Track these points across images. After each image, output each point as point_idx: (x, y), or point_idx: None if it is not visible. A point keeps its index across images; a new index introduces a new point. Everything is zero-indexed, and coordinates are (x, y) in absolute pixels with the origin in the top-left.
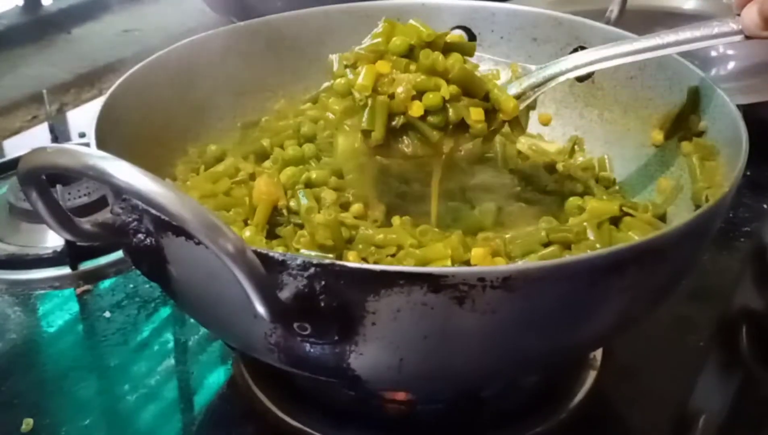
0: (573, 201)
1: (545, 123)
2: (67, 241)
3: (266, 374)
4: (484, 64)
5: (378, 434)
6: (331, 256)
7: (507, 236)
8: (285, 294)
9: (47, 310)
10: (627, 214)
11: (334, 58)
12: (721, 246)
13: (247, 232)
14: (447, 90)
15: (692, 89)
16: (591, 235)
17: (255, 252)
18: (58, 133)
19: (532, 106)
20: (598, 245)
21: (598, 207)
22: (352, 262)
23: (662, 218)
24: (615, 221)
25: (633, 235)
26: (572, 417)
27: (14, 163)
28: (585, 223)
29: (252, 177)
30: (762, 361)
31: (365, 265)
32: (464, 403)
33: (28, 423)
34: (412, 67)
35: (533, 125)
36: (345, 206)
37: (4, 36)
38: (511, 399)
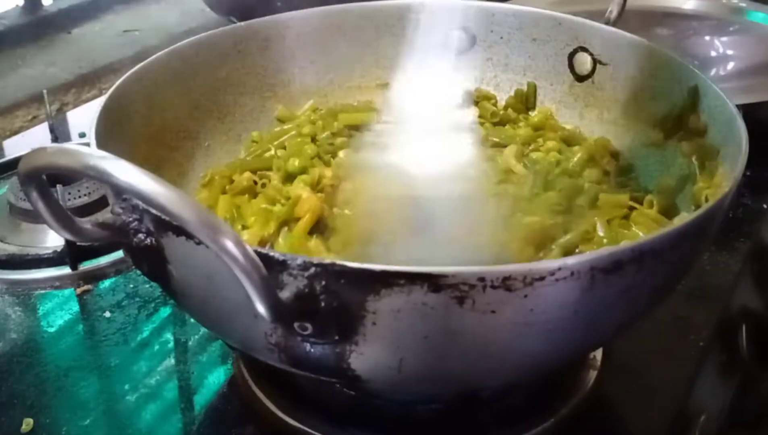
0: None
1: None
2: (67, 241)
3: (266, 374)
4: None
5: (378, 434)
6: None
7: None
8: (285, 294)
9: (47, 310)
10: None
11: None
12: (721, 246)
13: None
14: None
15: (692, 89)
16: (601, 232)
17: (255, 252)
18: (58, 133)
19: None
20: (605, 241)
21: (609, 201)
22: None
23: (671, 210)
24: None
25: (639, 233)
26: (572, 417)
27: (14, 163)
28: (596, 219)
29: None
30: (761, 361)
31: (365, 265)
32: (464, 403)
33: (28, 423)
34: None
35: None
36: None
37: (4, 36)
38: (511, 399)
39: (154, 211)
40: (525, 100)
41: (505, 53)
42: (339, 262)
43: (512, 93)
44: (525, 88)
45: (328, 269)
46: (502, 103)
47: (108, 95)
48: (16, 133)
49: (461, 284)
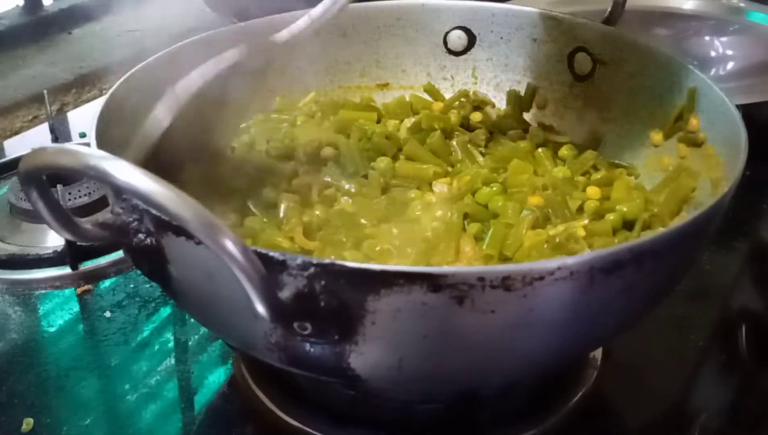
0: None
1: (541, 106)
2: (68, 241)
3: (266, 374)
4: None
5: (378, 434)
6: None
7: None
8: (285, 294)
9: (48, 310)
10: None
11: None
12: (721, 246)
13: None
14: None
15: (692, 89)
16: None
17: (255, 252)
18: (59, 133)
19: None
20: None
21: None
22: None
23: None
24: None
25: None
26: (572, 417)
27: (15, 163)
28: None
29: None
30: (761, 361)
31: (365, 265)
32: (464, 403)
33: (28, 423)
34: None
35: (546, 117)
36: None
37: (4, 36)
38: (510, 399)
39: (154, 211)
40: (519, 102)
41: (505, 53)
42: (339, 262)
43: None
44: (519, 88)
45: (328, 269)
46: (502, 103)
47: (108, 95)
48: (16, 133)
49: (461, 284)
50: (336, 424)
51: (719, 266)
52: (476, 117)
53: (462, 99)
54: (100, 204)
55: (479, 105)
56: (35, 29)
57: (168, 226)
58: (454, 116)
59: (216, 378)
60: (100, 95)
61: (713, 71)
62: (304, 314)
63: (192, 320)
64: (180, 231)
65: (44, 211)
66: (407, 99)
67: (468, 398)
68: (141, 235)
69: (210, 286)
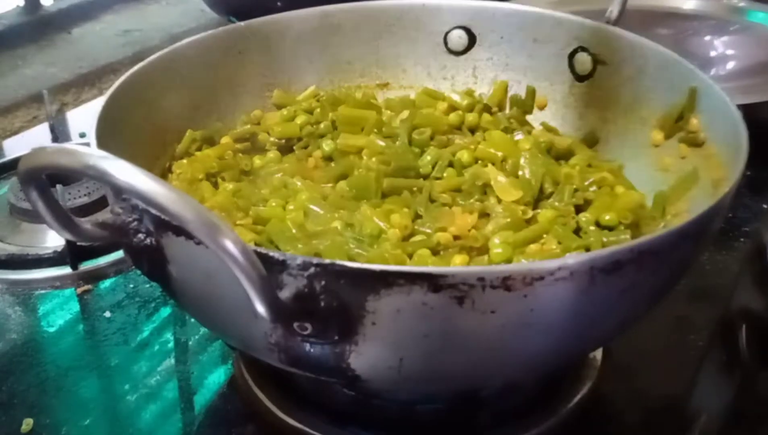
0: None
1: (541, 106)
2: (68, 241)
3: (266, 374)
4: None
5: (378, 434)
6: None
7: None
8: (285, 294)
9: (48, 310)
10: None
11: None
12: (721, 246)
13: None
14: None
15: (692, 89)
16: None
17: (255, 252)
18: (58, 133)
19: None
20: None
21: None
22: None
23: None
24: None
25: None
26: (572, 417)
27: (14, 163)
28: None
29: None
30: (762, 361)
31: (365, 265)
32: (464, 403)
33: (28, 423)
34: None
35: (547, 117)
36: None
37: (4, 36)
38: (510, 399)
39: (153, 211)
40: (522, 106)
41: (506, 53)
42: (339, 262)
43: (511, 92)
44: (520, 88)
45: (328, 269)
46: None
47: (108, 95)
48: (16, 133)
49: (461, 284)
50: (336, 424)
51: (719, 266)
52: (486, 118)
53: (468, 99)
54: (100, 204)
55: (486, 107)
56: (35, 29)
57: (168, 226)
58: (455, 116)
59: (216, 378)
60: (100, 95)
61: (713, 71)
62: (304, 314)
63: (192, 320)
64: (180, 231)
65: (44, 211)
66: (411, 97)
67: (468, 398)
68: (141, 235)
69: (210, 286)
